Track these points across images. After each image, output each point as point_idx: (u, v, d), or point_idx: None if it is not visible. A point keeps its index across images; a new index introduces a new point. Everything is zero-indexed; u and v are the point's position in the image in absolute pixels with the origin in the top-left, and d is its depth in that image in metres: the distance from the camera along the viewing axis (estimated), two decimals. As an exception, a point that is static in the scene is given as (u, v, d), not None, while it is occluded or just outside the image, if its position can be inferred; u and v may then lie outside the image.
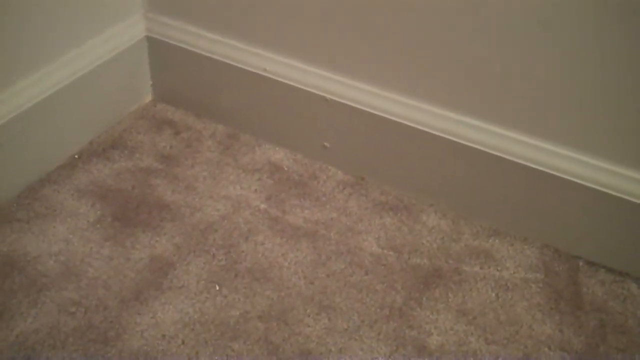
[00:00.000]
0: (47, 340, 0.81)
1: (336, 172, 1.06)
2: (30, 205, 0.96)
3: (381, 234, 0.97)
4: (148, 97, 1.17)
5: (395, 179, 1.03)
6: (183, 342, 0.82)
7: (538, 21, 0.83)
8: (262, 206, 0.99)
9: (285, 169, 1.06)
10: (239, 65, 1.06)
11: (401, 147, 1.00)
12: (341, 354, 0.82)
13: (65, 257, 0.90)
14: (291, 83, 1.03)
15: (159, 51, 1.12)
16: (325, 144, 1.06)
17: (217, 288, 0.88)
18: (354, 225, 0.98)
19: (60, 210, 0.96)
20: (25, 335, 0.81)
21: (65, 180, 1.00)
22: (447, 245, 0.96)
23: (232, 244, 0.94)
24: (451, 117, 0.95)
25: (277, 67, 1.04)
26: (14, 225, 0.93)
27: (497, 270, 0.93)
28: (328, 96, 1.01)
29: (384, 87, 0.98)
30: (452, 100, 0.95)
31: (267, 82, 1.05)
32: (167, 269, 0.90)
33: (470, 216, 1.00)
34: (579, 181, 0.90)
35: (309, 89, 1.02)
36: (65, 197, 0.98)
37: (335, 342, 0.83)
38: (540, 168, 0.92)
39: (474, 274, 0.93)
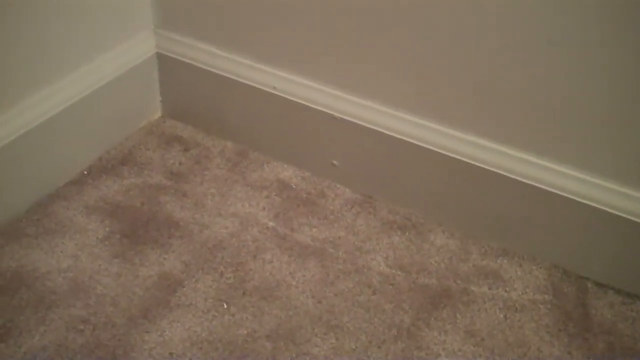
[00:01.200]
0: (55, 358, 0.81)
1: (344, 190, 1.06)
2: (39, 221, 0.96)
3: (389, 253, 0.97)
4: (157, 114, 1.18)
5: (404, 197, 1.03)
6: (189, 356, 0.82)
7: (547, 41, 0.84)
8: (271, 224, 1.00)
9: (294, 186, 1.06)
10: (248, 83, 1.07)
11: (410, 165, 1.01)
12: (349, 374, 0.82)
13: (74, 274, 0.90)
14: (300, 101, 1.04)
15: (168, 68, 1.13)
16: (334, 162, 1.06)
17: (225, 306, 0.88)
18: (362, 244, 0.98)
19: (69, 227, 0.96)
20: (33, 353, 0.81)
21: (74, 197, 1.01)
22: (455, 265, 0.96)
23: (240, 262, 0.94)
24: (460, 136, 0.96)
25: (286, 84, 1.04)
26: (22, 241, 0.93)
27: (505, 291, 0.93)
28: (337, 114, 1.02)
29: (393, 106, 0.99)
30: (461, 119, 0.95)
31: (276, 100, 1.05)
32: (176, 287, 0.90)
33: (479, 236, 1.00)
34: (587, 202, 0.90)
35: (317, 107, 1.03)
36: (74, 214, 0.98)
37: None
38: (550, 189, 0.91)
39: (482, 294, 0.92)
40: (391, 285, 0.93)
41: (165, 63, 1.12)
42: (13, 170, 0.94)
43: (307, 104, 1.03)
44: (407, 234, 1.00)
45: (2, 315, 0.84)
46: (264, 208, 1.02)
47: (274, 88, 1.05)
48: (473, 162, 0.95)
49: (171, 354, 0.82)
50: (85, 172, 1.05)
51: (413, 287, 0.93)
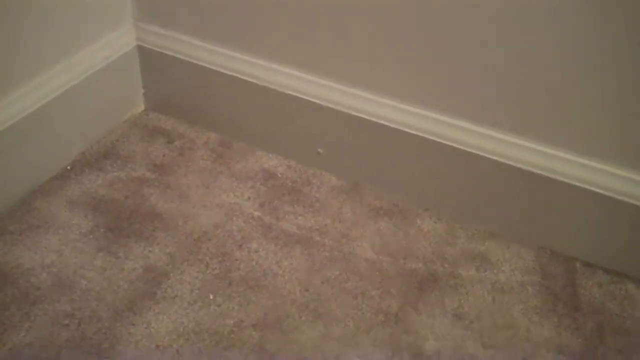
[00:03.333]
0: (41, 354, 0.80)
1: (330, 178, 1.06)
2: (22, 217, 0.96)
3: (376, 240, 0.96)
4: (140, 107, 1.17)
5: (390, 184, 1.03)
6: (178, 352, 0.81)
7: (535, 22, 0.83)
8: (256, 213, 0.99)
9: (279, 175, 1.06)
10: (230, 73, 1.06)
11: (395, 152, 1.00)
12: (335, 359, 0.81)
13: (58, 269, 0.89)
14: (283, 90, 1.03)
15: (150, 60, 1.12)
16: (319, 150, 1.06)
17: (211, 297, 0.87)
18: (349, 231, 0.97)
19: (53, 222, 0.95)
20: (19, 349, 0.80)
21: (57, 192, 1.00)
22: (443, 249, 0.96)
23: (226, 252, 0.93)
24: (445, 120, 0.95)
25: (268, 74, 1.04)
26: (6, 237, 0.92)
27: (493, 273, 0.93)
28: (320, 102, 1.01)
29: (376, 92, 0.98)
30: (446, 104, 0.94)
31: (259, 90, 1.04)
32: (161, 279, 0.89)
33: (466, 220, 1.00)
34: (574, 183, 0.90)
35: (301, 96, 1.02)
36: (57, 209, 0.97)
37: (331, 349, 0.83)
38: (535, 170, 0.91)
39: (470, 277, 0.92)
40: (378, 271, 0.92)
41: (146, 56, 1.12)
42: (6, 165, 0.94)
43: (290, 92, 1.03)
44: (393, 219, 1.00)
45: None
46: (249, 198, 1.01)
47: (257, 78, 1.04)
48: (458, 146, 0.95)
49: (158, 346, 0.82)
50: (69, 167, 1.04)
51: (400, 273, 0.92)
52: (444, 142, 0.95)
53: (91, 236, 0.94)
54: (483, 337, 0.85)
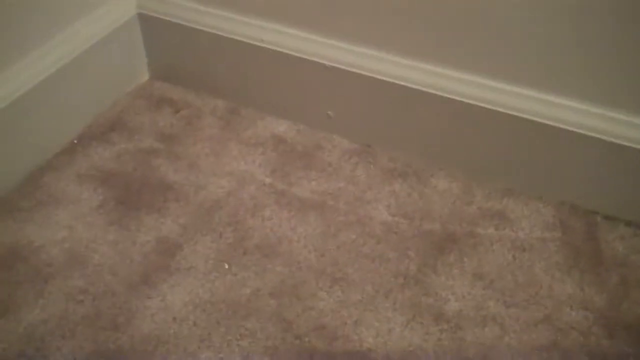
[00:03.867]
0: (57, 331, 0.79)
1: (341, 141, 1.04)
2: (31, 194, 0.94)
3: (391, 202, 0.94)
4: (145, 76, 1.14)
5: (403, 144, 1.00)
6: (194, 324, 0.80)
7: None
8: (268, 180, 0.97)
9: (289, 140, 1.03)
10: (235, 37, 1.03)
11: (407, 111, 0.97)
12: (357, 326, 0.80)
13: (70, 245, 0.88)
14: (289, 52, 1.00)
15: (152, 28, 1.09)
16: (329, 112, 1.03)
17: (227, 267, 0.86)
18: (363, 194, 0.95)
19: (62, 198, 0.94)
20: (34, 327, 0.79)
21: (65, 167, 0.98)
22: (460, 208, 0.94)
23: (239, 221, 0.91)
24: (457, 76, 0.92)
25: (274, 36, 1.01)
26: (15, 215, 0.91)
27: (513, 231, 0.91)
28: (327, 63, 0.98)
29: (385, 50, 0.95)
30: (457, 59, 0.91)
31: (265, 53, 1.02)
32: (174, 251, 0.88)
33: (482, 178, 0.97)
34: (591, 134, 0.87)
35: (307, 57, 0.99)
36: (66, 184, 0.96)
37: (350, 314, 0.81)
38: (551, 123, 0.88)
39: (488, 236, 0.90)
40: (395, 233, 0.90)
41: (148, 23, 1.09)
42: (1, 144, 0.92)
43: (296, 54, 1.00)
44: (408, 180, 0.98)
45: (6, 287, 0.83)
46: (260, 164, 0.99)
47: (262, 41, 1.02)
48: (472, 102, 0.92)
49: (174, 318, 0.80)
50: (75, 141, 1.03)
51: (417, 234, 0.90)
52: (457, 98, 0.92)
53: (102, 210, 0.92)
54: (504, 296, 0.83)
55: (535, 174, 0.94)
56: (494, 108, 0.91)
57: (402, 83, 0.95)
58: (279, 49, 1.01)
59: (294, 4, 0.97)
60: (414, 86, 0.94)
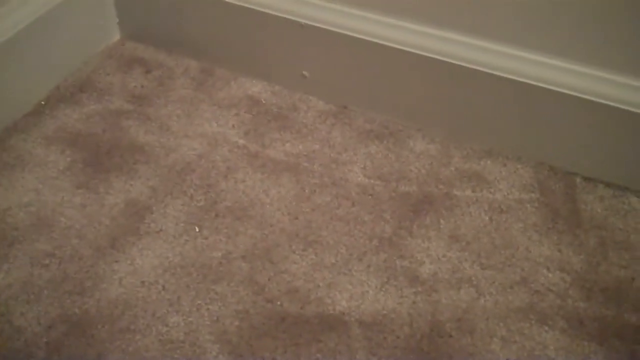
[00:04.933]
0: (21, 295, 0.77)
1: (317, 102, 1.01)
2: (4, 153, 0.92)
3: (367, 163, 0.92)
4: (116, 36, 1.11)
5: (380, 105, 0.98)
6: (164, 288, 0.78)
7: None
8: (241, 142, 0.95)
9: (264, 102, 1.01)
10: (207, -5, 1.00)
11: (383, 70, 0.95)
12: (330, 289, 0.78)
13: (36, 208, 0.85)
14: (263, 10, 0.97)
15: (122, -14, 1.06)
16: (304, 73, 1.00)
17: (197, 230, 0.84)
18: (338, 156, 0.93)
19: (29, 160, 0.91)
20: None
21: (32, 128, 0.95)
22: (437, 170, 0.92)
23: (211, 184, 0.89)
24: (434, 33, 0.90)
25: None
26: (-20, 178, 0.89)
27: (490, 192, 0.89)
28: (303, 21, 0.95)
29: (360, 7, 0.92)
30: (436, 17, 0.89)
31: (238, 11, 0.99)
32: (144, 214, 0.85)
33: (460, 139, 0.95)
34: (570, 92, 0.85)
35: (282, 15, 0.96)
36: (33, 146, 0.93)
37: (324, 277, 0.79)
38: (529, 81, 0.86)
39: (465, 198, 0.88)
40: (370, 195, 0.88)
41: (117, -19, 1.05)
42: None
43: (271, 12, 0.97)
44: (384, 142, 0.95)
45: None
46: (233, 126, 0.97)
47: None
48: (450, 61, 0.89)
49: (142, 282, 0.78)
50: (43, 103, 1.00)
51: (393, 196, 0.88)
52: (434, 56, 0.90)
53: (69, 172, 0.90)
54: (481, 258, 0.82)
55: (514, 135, 0.92)
56: (473, 67, 0.88)
57: (380, 42, 0.92)
58: (252, 7, 0.98)
59: (268, -40, 0.94)
60: (392, 45, 0.92)
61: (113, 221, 0.84)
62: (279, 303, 0.77)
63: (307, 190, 0.89)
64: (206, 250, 0.82)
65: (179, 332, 0.74)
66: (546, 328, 0.75)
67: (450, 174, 0.91)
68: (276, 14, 0.97)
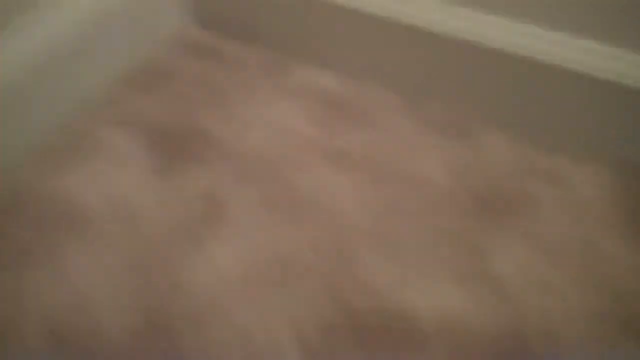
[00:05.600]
0: (98, 277, 0.78)
1: (389, 94, 1.00)
2: (71, 142, 0.93)
3: (439, 159, 0.91)
4: (189, 23, 1.11)
5: (454, 98, 0.96)
6: (242, 283, 0.78)
7: None
8: (311, 132, 0.94)
9: (335, 92, 1.00)
10: (280, -17, 0.99)
11: (458, 64, 0.93)
12: (401, 285, 0.77)
13: (111, 196, 0.86)
14: (340, 2, 0.96)
15: (194, -27, 1.06)
16: (377, 64, 0.99)
17: (268, 220, 0.84)
18: (410, 150, 0.92)
19: (102, 147, 0.92)
20: (68, 272, 0.78)
21: (105, 115, 0.96)
22: (513, 167, 0.89)
23: (281, 174, 0.89)
24: (509, 25, 0.87)
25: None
26: (55, 163, 0.90)
27: (568, 190, 0.86)
28: (378, 13, 0.94)
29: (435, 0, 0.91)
30: (511, 6, 0.86)
31: (315, 2, 0.97)
32: (218, 204, 0.86)
33: (536, 135, 0.93)
34: (658, 90, 0.82)
35: (356, 7, 0.95)
36: (109, 134, 0.94)
37: (395, 272, 0.78)
38: (608, 77, 0.83)
39: (542, 196, 0.86)
40: (442, 192, 0.87)
41: (190, -32, 1.05)
42: (42, 92, 0.90)
43: (346, 5, 0.96)
44: (459, 137, 0.94)
45: (37, 241, 0.82)
46: (303, 116, 0.96)
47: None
48: (530, 56, 0.87)
49: (217, 274, 0.79)
50: (115, 89, 1.00)
51: (466, 193, 0.87)
52: (511, 50, 0.87)
53: (142, 160, 0.90)
54: (558, 259, 0.79)
55: (592, 131, 0.89)
56: (553, 63, 0.86)
57: (454, 34, 0.90)
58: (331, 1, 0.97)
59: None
60: (464, 37, 0.90)
61: (188, 211, 0.85)
62: (355, 302, 0.76)
63: (377, 184, 0.88)
64: (280, 243, 0.82)
65: (257, 331, 0.74)
66: (629, 333, 0.73)
67: (527, 171, 0.89)
68: (350, 6, 0.95)
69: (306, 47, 1.03)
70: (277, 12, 1.02)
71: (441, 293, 0.77)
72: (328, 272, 0.78)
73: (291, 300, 0.76)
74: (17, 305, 0.75)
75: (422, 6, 0.92)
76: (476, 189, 0.87)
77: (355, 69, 1.01)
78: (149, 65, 1.04)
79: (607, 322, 0.74)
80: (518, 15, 0.87)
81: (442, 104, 0.97)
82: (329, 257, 0.80)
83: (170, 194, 0.86)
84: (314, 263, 0.79)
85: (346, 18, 0.96)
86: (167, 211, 0.85)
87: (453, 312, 0.75)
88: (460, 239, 0.82)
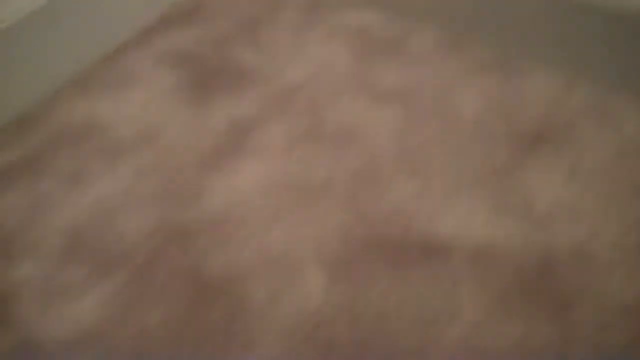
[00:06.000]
0: (124, 204, 0.77)
1: (431, 31, 0.96)
2: (108, 72, 0.92)
3: (481, 95, 0.87)
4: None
5: (498, 35, 0.92)
6: (265, 204, 0.76)
7: None
8: (349, 68, 0.91)
9: (375, 29, 0.97)
10: None
11: (502, 1, 0.89)
12: (436, 215, 0.74)
13: (143, 123, 0.86)
14: None
15: None
16: (418, 1, 0.96)
17: (301, 151, 0.82)
18: (451, 87, 0.88)
19: (138, 77, 0.91)
20: (102, 199, 0.78)
21: (143, 48, 0.96)
22: (557, 104, 0.85)
23: (317, 106, 0.86)
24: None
25: None
26: (91, 92, 0.90)
27: (615, 129, 0.82)
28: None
29: None
30: None
31: None
32: (248, 132, 0.84)
33: (584, 73, 0.88)
34: None
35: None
36: (143, 64, 0.93)
37: (430, 203, 0.75)
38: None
39: (588, 133, 0.82)
40: (483, 126, 0.83)
41: None
42: (81, 21, 0.90)
43: None
44: (501, 74, 0.90)
45: (72, 164, 0.81)
46: (342, 52, 0.94)
47: None
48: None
49: (244, 197, 0.77)
50: (154, 24, 1.00)
51: (508, 128, 0.83)
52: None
53: (176, 90, 0.89)
54: (601, 195, 0.75)
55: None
56: (599, 4, 0.81)
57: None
58: None
59: None
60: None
61: (216, 138, 0.83)
62: (381, 226, 0.74)
63: (416, 119, 0.85)
64: (308, 170, 0.79)
65: (278, 248, 0.72)
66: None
67: (573, 108, 0.85)
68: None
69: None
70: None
71: (472, 219, 0.73)
72: (355, 198, 0.76)
73: (313, 219, 0.74)
74: (43, 213, 0.75)
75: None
76: (518, 124, 0.83)
77: (398, 6, 0.98)
78: (190, 2, 1.03)
79: (634, 250, 0.70)
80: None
81: (488, 42, 0.93)
82: (357, 185, 0.77)
83: (198, 121, 0.85)
84: (341, 190, 0.77)
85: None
86: (194, 138, 0.83)
87: (482, 236, 0.71)
88: (498, 170, 0.78)
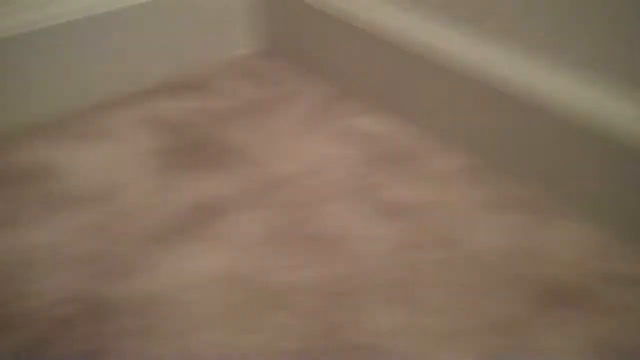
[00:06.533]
0: (51, 259, 0.64)
1: (450, 151, 0.85)
2: (89, 123, 0.85)
3: (495, 233, 0.74)
4: (248, 43, 1.02)
5: (524, 169, 0.81)
6: (210, 300, 0.62)
7: None
8: (349, 174, 0.80)
9: (387, 139, 0.86)
10: (352, 22, 0.90)
11: (532, 131, 0.78)
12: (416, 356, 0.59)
13: (102, 180, 0.74)
14: (409, 48, 0.85)
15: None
16: (442, 118, 0.86)
17: (272, 247, 0.68)
18: (461, 216, 0.76)
19: (114, 134, 0.82)
20: (37, 245, 0.65)
21: (130, 108, 0.87)
22: (586, 261, 0.72)
23: (303, 206, 0.74)
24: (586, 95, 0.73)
25: (393, 25, 0.86)
26: (56, 138, 0.80)
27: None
28: (451, 64, 0.82)
29: (528, 52, 0.78)
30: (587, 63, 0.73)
31: (383, 45, 0.87)
32: (218, 216, 0.72)
33: (627, 231, 0.75)
34: None
35: (428, 55, 0.84)
36: (122, 123, 0.85)
37: (411, 342, 0.61)
38: None
39: (615, 302, 0.67)
40: (492, 268, 0.70)
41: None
42: (75, 66, 0.82)
43: (416, 50, 0.85)
44: (521, 214, 0.77)
45: (7, 206, 0.70)
46: (346, 156, 0.83)
47: (380, 29, 0.87)
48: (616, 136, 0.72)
49: (186, 287, 0.63)
50: (153, 88, 0.92)
51: (520, 276, 0.69)
52: (602, 125, 0.73)
53: (151, 155, 0.79)
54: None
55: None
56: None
57: (534, 97, 0.76)
58: (394, 39, 0.86)
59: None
60: (546, 102, 0.76)
61: (180, 214, 0.71)
62: (346, 356, 0.59)
63: (415, 243, 0.72)
64: (274, 272, 0.66)
65: (206, 357, 0.57)
66: None
67: (602, 269, 0.71)
68: (426, 55, 0.84)
69: (367, 88, 0.92)
70: (341, 48, 0.92)
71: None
72: (323, 313, 0.62)
73: (263, 329, 0.60)
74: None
75: (507, 64, 0.79)
76: (532, 274, 0.69)
77: (418, 120, 0.88)
78: (191, 77, 0.95)
79: None
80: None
81: (512, 175, 0.82)
82: (326, 300, 0.63)
83: (166, 191, 0.73)
84: (304, 300, 0.63)
85: (415, 64, 0.85)
86: (154, 208, 0.71)
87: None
88: (504, 322, 0.64)
